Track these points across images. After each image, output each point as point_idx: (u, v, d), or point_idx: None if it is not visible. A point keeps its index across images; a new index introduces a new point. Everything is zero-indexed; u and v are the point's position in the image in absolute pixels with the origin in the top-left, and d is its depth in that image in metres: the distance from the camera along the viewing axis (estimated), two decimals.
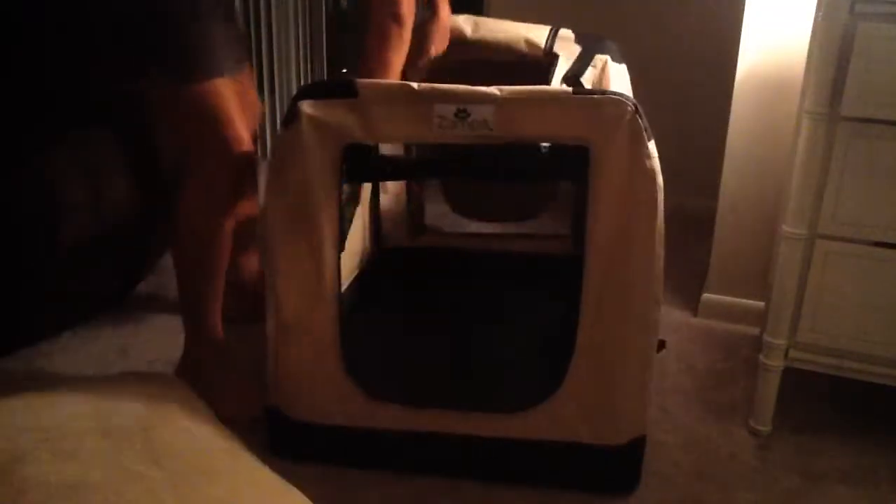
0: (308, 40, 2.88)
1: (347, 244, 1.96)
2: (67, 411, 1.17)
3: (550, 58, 1.75)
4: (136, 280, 2.11)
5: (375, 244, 2.15)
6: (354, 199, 2.03)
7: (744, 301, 2.05)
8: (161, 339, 1.91)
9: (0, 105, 1.71)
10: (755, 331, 1.99)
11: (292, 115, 1.36)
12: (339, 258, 1.44)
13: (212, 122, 1.50)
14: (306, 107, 1.36)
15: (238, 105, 1.54)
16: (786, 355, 1.57)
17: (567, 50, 1.76)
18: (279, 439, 1.54)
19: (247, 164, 1.59)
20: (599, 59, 1.73)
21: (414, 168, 1.96)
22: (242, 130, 1.54)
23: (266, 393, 1.52)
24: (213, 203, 1.57)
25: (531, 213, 2.27)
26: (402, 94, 1.35)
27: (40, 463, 1.03)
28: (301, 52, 2.85)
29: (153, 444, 1.13)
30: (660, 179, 1.30)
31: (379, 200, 2.12)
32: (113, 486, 1.02)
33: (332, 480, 1.48)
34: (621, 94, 1.30)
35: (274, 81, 2.80)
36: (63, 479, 1.01)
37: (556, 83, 1.59)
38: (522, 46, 1.79)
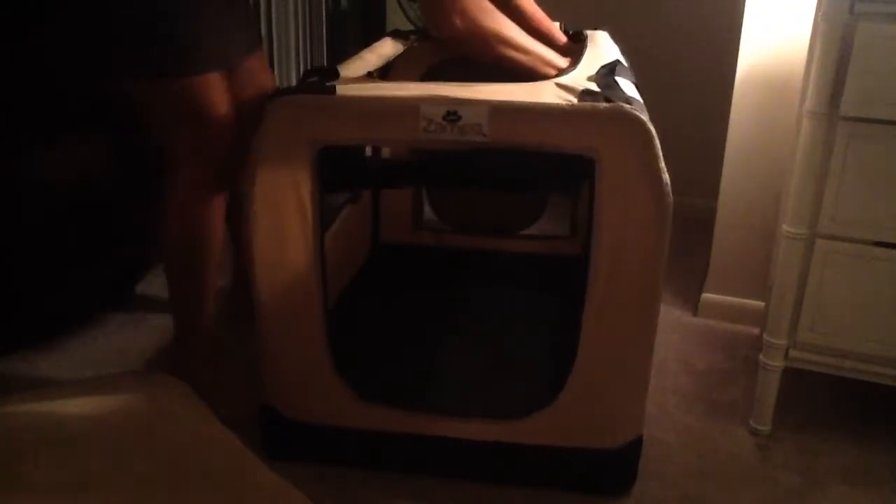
0: (308, 40, 2.87)
1: (346, 241, 1.97)
2: (67, 411, 1.17)
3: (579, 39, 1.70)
4: (136, 280, 2.11)
5: (375, 240, 2.15)
6: (354, 197, 2.04)
7: (744, 301, 2.05)
8: (161, 339, 1.91)
9: (1, 102, 1.71)
10: (755, 331, 1.99)
11: (261, 115, 1.28)
12: (321, 263, 1.38)
13: (192, 119, 1.48)
14: (274, 105, 1.27)
15: (227, 98, 1.50)
16: (786, 355, 1.57)
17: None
18: (273, 438, 1.53)
19: (232, 160, 1.54)
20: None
21: (397, 175, 1.75)
22: (225, 126, 1.50)
23: (262, 391, 1.51)
24: (197, 199, 1.55)
25: (520, 226, 2.23)
26: (381, 93, 1.26)
27: (40, 463, 1.03)
28: (301, 53, 2.85)
29: (153, 444, 1.13)
30: (670, 196, 1.23)
31: (379, 196, 2.12)
32: (113, 485, 1.02)
33: (332, 480, 1.48)
34: (632, 104, 1.22)
35: (274, 83, 2.80)
36: (63, 479, 1.01)
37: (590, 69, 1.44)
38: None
